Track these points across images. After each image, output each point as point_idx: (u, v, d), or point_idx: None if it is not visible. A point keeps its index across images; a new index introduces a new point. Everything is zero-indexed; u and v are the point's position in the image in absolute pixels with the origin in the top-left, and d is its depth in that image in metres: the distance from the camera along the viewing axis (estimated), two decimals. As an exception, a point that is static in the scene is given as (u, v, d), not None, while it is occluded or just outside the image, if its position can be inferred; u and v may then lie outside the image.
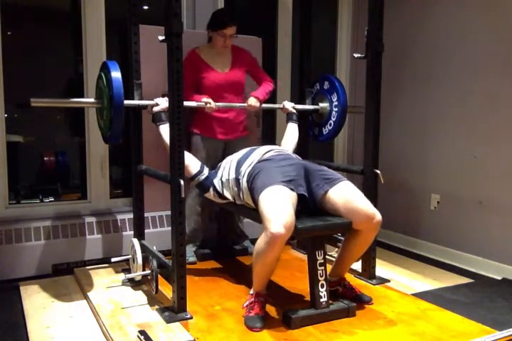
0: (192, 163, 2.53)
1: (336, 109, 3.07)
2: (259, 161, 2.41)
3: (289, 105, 3.12)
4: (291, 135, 3.04)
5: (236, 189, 2.43)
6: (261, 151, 2.50)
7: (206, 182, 2.54)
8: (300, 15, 3.39)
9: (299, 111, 3.16)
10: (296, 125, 3.08)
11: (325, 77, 3.20)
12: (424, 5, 3.51)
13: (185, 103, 2.68)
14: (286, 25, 3.80)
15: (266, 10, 3.93)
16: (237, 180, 2.42)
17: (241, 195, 2.40)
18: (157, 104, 2.60)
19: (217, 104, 2.83)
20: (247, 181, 2.33)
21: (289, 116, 3.12)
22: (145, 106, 2.69)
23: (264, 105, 3.04)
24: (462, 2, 3.23)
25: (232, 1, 3.70)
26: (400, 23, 3.66)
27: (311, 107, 3.22)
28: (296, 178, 2.28)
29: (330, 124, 3.14)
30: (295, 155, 2.60)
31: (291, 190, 2.20)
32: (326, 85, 3.16)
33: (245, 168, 2.40)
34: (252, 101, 2.94)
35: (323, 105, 3.18)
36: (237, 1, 3.91)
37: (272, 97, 3.83)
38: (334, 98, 3.09)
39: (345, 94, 3.06)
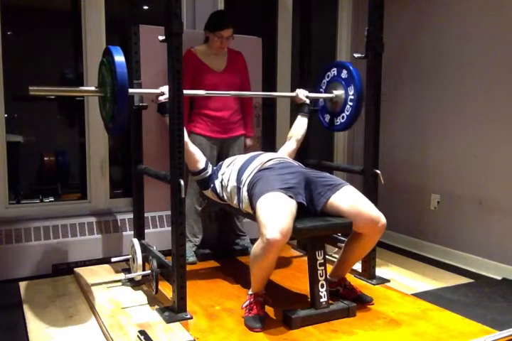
0: (200, 158, 2.59)
1: (352, 104, 2.86)
2: (260, 170, 2.39)
3: (302, 94, 2.91)
4: (299, 131, 2.90)
5: (236, 197, 2.43)
6: (262, 159, 2.48)
7: (208, 180, 2.59)
8: (300, 15, 3.39)
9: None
10: (307, 119, 2.93)
11: (343, 65, 2.96)
12: (425, 5, 3.51)
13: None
14: (286, 25, 3.81)
15: (266, 10, 3.93)
16: (238, 189, 2.41)
17: (240, 205, 2.39)
18: (163, 93, 2.49)
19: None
20: (247, 190, 2.32)
21: (300, 108, 2.93)
22: (145, 107, 2.69)
23: (275, 93, 2.94)
24: (462, 2, 3.23)
25: (232, 1, 3.71)
26: (400, 23, 3.66)
27: (325, 95, 3.02)
28: (295, 186, 2.25)
29: (343, 117, 2.93)
30: (297, 163, 2.56)
31: (290, 197, 2.17)
32: (344, 74, 2.91)
33: (246, 177, 2.39)
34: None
35: (338, 93, 2.95)
36: (237, 1, 3.92)
37: (272, 97, 3.84)
38: (351, 91, 2.86)
39: (362, 89, 2.83)
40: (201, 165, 2.58)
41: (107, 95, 2.26)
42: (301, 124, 2.92)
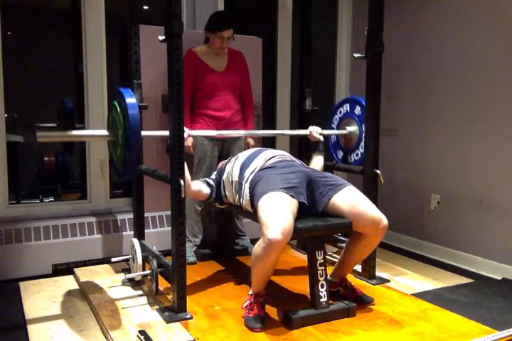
0: (202, 186, 2.55)
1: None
2: (262, 169, 2.38)
3: (316, 132, 2.82)
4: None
5: (237, 193, 2.43)
6: (265, 157, 2.47)
7: (217, 195, 2.59)
8: (300, 15, 3.39)
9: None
10: (323, 157, 2.83)
11: (356, 100, 2.92)
12: (425, 5, 3.51)
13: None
14: (286, 25, 3.81)
15: (266, 10, 3.93)
16: (240, 184, 2.41)
17: (241, 200, 2.39)
18: None
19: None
20: (249, 188, 2.32)
21: (314, 146, 2.85)
22: (145, 107, 2.68)
23: (288, 132, 3.02)
24: (462, 2, 3.23)
25: (232, 1, 3.71)
26: (400, 23, 3.66)
27: (339, 132, 3.00)
28: (297, 186, 2.25)
29: (357, 154, 2.91)
30: (300, 162, 2.54)
31: (292, 196, 2.17)
32: (358, 110, 2.89)
33: (248, 174, 2.39)
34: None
35: (352, 129, 2.93)
36: (237, 1, 3.92)
37: (272, 97, 3.85)
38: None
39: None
40: (206, 190, 2.55)
41: (118, 139, 2.16)
42: (317, 163, 2.82)
